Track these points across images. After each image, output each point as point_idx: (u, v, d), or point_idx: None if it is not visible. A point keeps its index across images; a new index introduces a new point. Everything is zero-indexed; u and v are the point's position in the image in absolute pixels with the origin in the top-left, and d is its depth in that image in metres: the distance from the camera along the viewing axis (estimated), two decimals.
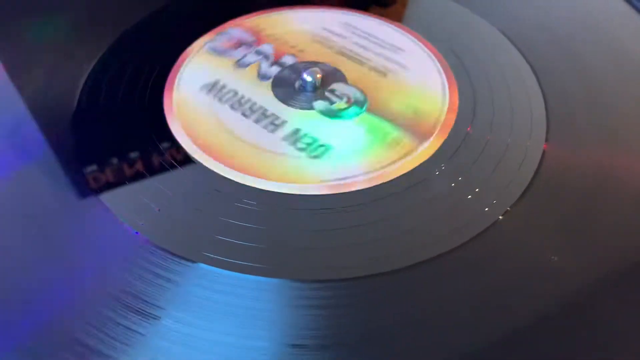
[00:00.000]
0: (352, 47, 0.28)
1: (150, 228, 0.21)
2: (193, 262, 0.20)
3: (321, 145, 0.24)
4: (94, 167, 0.23)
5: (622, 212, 0.21)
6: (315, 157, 0.23)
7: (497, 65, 0.27)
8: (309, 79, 0.26)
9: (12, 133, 0.25)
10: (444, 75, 0.27)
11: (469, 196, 0.22)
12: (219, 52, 0.28)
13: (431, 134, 0.24)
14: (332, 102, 0.26)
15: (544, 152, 0.23)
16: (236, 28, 0.29)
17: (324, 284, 0.19)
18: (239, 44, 0.28)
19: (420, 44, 0.28)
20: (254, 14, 0.30)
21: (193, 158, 0.23)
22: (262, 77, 0.27)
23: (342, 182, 0.22)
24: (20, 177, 0.23)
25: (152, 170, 0.23)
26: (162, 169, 0.23)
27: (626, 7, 0.29)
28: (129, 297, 0.19)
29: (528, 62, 0.27)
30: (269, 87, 0.26)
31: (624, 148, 0.23)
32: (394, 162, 0.23)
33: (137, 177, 0.23)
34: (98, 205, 0.22)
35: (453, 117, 0.25)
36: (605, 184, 0.22)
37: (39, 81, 0.27)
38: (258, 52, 0.28)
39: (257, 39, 0.29)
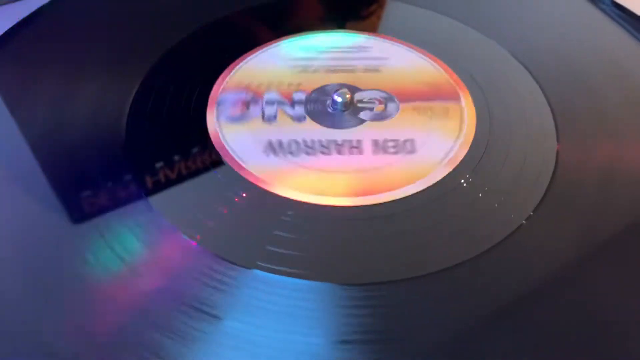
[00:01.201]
0: (329, 62, 0.31)
1: (206, 239, 0.23)
2: (248, 268, 0.22)
3: (406, 141, 0.27)
4: (151, 184, 0.25)
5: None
6: (411, 152, 0.27)
7: (502, 75, 0.31)
8: (339, 99, 0.29)
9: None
10: (431, 61, 0.31)
11: (496, 205, 0.25)
12: (238, 120, 0.29)
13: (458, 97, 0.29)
14: (372, 109, 0.29)
15: (557, 155, 0.26)
16: (226, 93, 0.30)
17: (368, 286, 0.22)
18: (247, 104, 0.29)
19: (381, 39, 0.33)
20: (221, 75, 0.31)
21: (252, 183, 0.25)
22: (297, 119, 0.29)
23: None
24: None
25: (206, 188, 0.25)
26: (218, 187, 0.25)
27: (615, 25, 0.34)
28: (192, 300, 0.21)
29: (527, 68, 0.31)
30: (312, 122, 0.28)
31: (625, 146, 0.27)
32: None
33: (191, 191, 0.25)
34: (158, 220, 0.23)
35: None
36: (613, 176, 0.26)
37: (90, 101, 0.28)
38: (270, 102, 0.29)
39: (254, 92, 0.30)
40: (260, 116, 0.29)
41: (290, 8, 0.35)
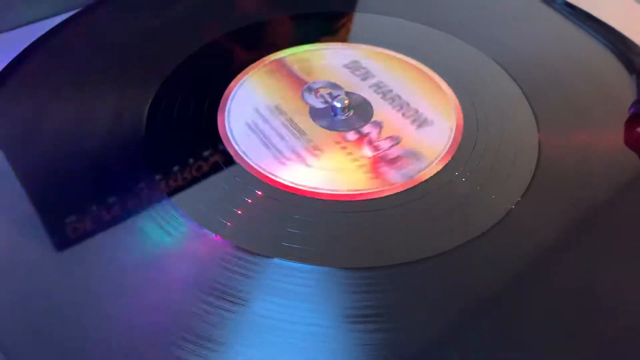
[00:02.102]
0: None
1: (227, 233, 0.25)
2: (269, 257, 0.25)
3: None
4: (171, 181, 0.27)
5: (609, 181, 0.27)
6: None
7: (478, 74, 0.34)
8: (339, 105, 0.31)
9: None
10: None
11: (484, 193, 0.27)
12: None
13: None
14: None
15: (539, 144, 0.29)
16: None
17: (368, 271, 0.24)
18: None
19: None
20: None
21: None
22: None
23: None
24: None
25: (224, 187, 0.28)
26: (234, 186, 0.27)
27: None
28: (219, 286, 0.23)
29: (502, 67, 0.34)
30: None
31: (597, 133, 0.30)
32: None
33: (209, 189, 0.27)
34: (182, 217, 0.26)
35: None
36: (590, 159, 0.29)
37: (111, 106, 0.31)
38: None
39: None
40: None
41: (269, 29, 0.37)
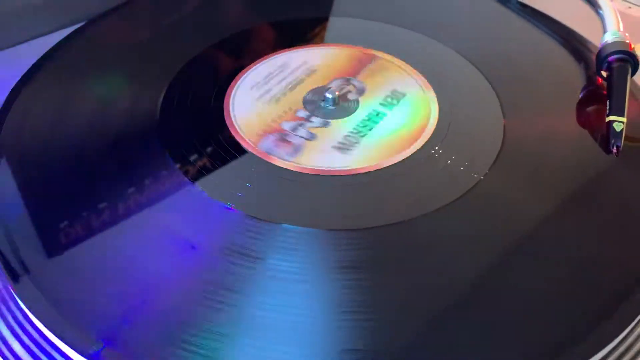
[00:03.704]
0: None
1: (238, 205, 0.30)
2: (278, 223, 0.29)
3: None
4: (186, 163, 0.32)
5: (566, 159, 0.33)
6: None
7: (448, 68, 0.38)
8: (330, 96, 0.36)
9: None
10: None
11: (457, 166, 0.32)
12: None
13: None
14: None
15: (504, 128, 0.34)
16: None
17: (355, 232, 0.29)
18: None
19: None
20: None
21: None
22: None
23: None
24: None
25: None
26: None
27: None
28: (238, 248, 0.28)
29: (470, 61, 0.38)
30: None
31: (554, 115, 0.35)
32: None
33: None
34: (197, 192, 0.30)
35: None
36: (547, 141, 0.34)
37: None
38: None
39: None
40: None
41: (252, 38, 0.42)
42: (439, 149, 0.33)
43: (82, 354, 0.24)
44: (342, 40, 0.41)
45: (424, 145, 0.33)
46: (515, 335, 0.26)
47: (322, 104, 0.36)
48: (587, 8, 0.41)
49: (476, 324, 0.26)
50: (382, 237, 0.29)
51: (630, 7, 0.48)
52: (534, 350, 0.25)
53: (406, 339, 0.25)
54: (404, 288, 0.27)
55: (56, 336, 0.25)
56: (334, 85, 0.37)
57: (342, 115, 0.35)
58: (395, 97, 0.36)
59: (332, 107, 0.36)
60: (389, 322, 0.26)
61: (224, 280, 0.26)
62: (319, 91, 0.36)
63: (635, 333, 0.28)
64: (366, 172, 0.32)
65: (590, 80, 0.38)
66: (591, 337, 0.25)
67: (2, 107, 0.34)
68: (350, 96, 0.36)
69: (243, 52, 0.40)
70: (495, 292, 0.27)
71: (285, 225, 0.29)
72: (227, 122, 0.34)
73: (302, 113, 0.35)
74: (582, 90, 0.37)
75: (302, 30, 0.42)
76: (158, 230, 0.29)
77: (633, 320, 0.26)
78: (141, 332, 0.25)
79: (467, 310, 0.26)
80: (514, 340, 0.25)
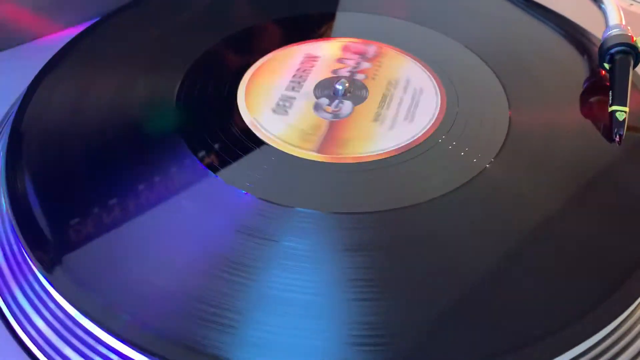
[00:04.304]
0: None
1: (254, 190, 0.31)
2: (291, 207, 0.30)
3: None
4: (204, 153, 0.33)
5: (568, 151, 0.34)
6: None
7: (456, 62, 0.39)
8: (340, 87, 0.37)
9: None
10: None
11: (462, 153, 0.33)
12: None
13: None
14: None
15: (510, 118, 0.35)
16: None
17: (363, 215, 0.30)
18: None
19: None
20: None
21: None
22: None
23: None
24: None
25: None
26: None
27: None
28: (252, 230, 0.29)
29: (478, 55, 0.40)
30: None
31: (557, 107, 0.37)
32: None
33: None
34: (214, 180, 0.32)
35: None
36: (551, 131, 0.35)
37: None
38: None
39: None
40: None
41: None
42: (446, 139, 0.34)
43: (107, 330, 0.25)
44: (351, 34, 0.42)
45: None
46: (520, 315, 0.27)
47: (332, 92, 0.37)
48: (589, 3, 0.42)
49: (483, 300, 0.27)
50: (390, 221, 0.30)
51: (632, 5, 0.49)
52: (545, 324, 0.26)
53: (416, 318, 0.26)
54: (411, 267, 0.28)
55: (80, 312, 0.26)
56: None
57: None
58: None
59: (342, 97, 0.37)
60: (400, 300, 0.27)
61: (242, 259, 0.28)
62: (327, 83, 0.38)
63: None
64: (374, 160, 0.33)
65: (593, 72, 0.39)
66: (596, 313, 0.26)
67: (24, 96, 0.36)
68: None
69: (257, 45, 0.41)
70: (500, 274, 0.28)
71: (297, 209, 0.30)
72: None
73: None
74: (585, 81, 0.38)
75: (313, 24, 0.43)
76: (177, 213, 0.30)
77: (635, 300, 0.27)
78: (162, 307, 0.26)
79: (476, 287, 0.28)
80: (522, 320, 0.26)
